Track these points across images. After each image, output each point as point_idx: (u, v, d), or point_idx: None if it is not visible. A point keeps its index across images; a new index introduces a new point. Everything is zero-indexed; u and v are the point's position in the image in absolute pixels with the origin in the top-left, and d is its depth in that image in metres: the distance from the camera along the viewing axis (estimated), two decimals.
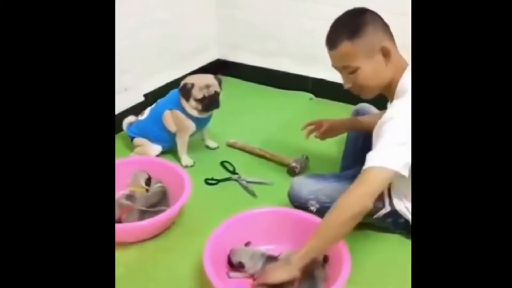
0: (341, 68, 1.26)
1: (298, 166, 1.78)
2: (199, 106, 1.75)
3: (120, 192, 1.55)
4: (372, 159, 1.15)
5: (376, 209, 1.36)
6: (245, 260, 1.27)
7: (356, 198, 1.14)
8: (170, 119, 1.80)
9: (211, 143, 1.97)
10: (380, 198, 1.34)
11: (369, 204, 1.14)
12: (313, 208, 1.37)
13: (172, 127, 1.81)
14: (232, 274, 1.28)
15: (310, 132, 1.69)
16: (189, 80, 1.77)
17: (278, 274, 1.15)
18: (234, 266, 1.27)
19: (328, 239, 1.16)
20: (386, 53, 1.21)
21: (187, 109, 1.76)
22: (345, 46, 1.20)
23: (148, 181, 1.58)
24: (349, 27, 1.21)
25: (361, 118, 1.66)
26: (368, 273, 1.30)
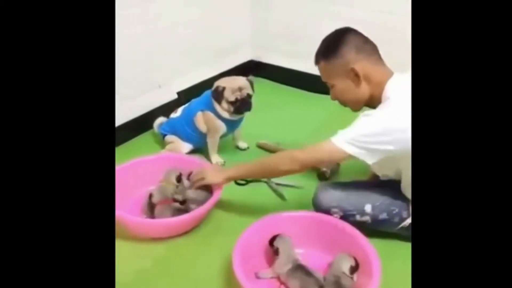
0: (325, 82, 1.37)
1: (329, 171, 1.76)
2: (231, 109, 1.75)
3: (150, 188, 1.57)
4: (336, 135, 1.24)
5: (400, 218, 1.34)
6: (282, 250, 1.28)
7: (291, 159, 1.32)
8: (202, 120, 1.82)
9: (242, 144, 1.98)
10: (405, 207, 1.33)
11: (297, 170, 1.33)
12: (336, 216, 1.36)
13: (203, 128, 1.83)
14: (261, 274, 1.28)
15: None
16: (220, 82, 1.77)
17: (213, 176, 1.47)
18: (271, 246, 1.30)
19: (254, 174, 1.49)
20: (356, 74, 1.27)
21: (219, 111, 1.77)
22: (322, 64, 1.33)
23: (179, 178, 1.60)
24: (327, 47, 1.32)
25: None
26: (396, 284, 1.27)
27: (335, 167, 1.79)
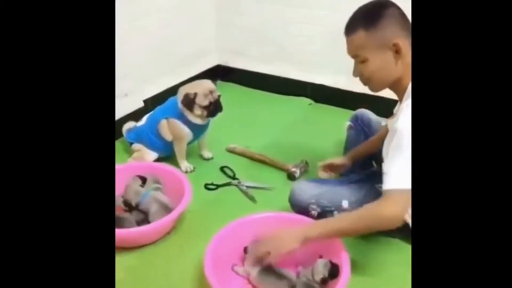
0: (352, 56, 1.25)
1: (298, 171, 1.78)
2: (205, 113, 1.74)
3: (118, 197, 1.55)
4: (389, 180, 1.12)
5: None
6: (251, 250, 1.27)
7: (387, 220, 1.13)
8: (166, 128, 1.80)
9: (206, 154, 1.95)
10: None
11: (398, 224, 1.13)
12: (314, 212, 1.37)
13: (168, 136, 1.81)
14: (235, 268, 1.29)
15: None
16: (188, 89, 1.75)
17: (290, 243, 1.16)
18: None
19: (338, 234, 1.21)
20: (397, 50, 1.17)
21: (191, 119, 1.76)
22: (359, 35, 1.19)
23: (143, 184, 1.57)
24: (367, 17, 1.19)
25: (357, 149, 1.63)
26: (368, 278, 1.29)
27: (304, 167, 1.81)
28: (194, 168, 1.85)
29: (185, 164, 1.85)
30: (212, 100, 1.73)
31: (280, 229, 1.23)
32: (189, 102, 1.72)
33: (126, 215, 1.50)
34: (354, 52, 1.23)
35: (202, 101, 1.72)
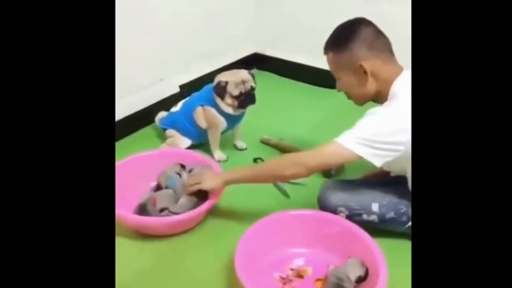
0: (331, 72, 1.34)
1: (334, 168, 1.72)
2: (235, 103, 1.71)
3: (151, 183, 1.57)
4: (341, 135, 1.19)
5: (408, 217, 1.32)
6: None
7: (297, 164, 1.23)
8: (202, 115, 1.78)
9: (240, 144, 1.93)
10: None
11: (303, 175, 1.24)
12: (342, 215, 1.32)
13: (203, 124, 1.79)
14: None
15: None
16: (222, 77, 1.72)
17: (210, 181, 1.38)
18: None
19: (255, 179, 1.34)
20: (365, 71, 1.23)
21: (222, 107, 1.72)
22: (330, 56, 1.29)
23: (182, 169, 1.57)
24: (336, 40, 1.27)
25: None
26: (403, 284, 1.24)
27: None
28: (227, 158, 1.82)
29: (218, 154, 1.83)
30: (243, 90, 1.69)
31: (207, 171, 1.48)
32: (220, 90, 1.69)
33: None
34: (330, 69, 1.33)
35: (233, 90, 1.68)
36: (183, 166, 1.58)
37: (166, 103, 2.04)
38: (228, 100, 1.70)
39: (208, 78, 1.92)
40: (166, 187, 1.53)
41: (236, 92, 1.68)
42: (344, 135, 1.19)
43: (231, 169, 1.42)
